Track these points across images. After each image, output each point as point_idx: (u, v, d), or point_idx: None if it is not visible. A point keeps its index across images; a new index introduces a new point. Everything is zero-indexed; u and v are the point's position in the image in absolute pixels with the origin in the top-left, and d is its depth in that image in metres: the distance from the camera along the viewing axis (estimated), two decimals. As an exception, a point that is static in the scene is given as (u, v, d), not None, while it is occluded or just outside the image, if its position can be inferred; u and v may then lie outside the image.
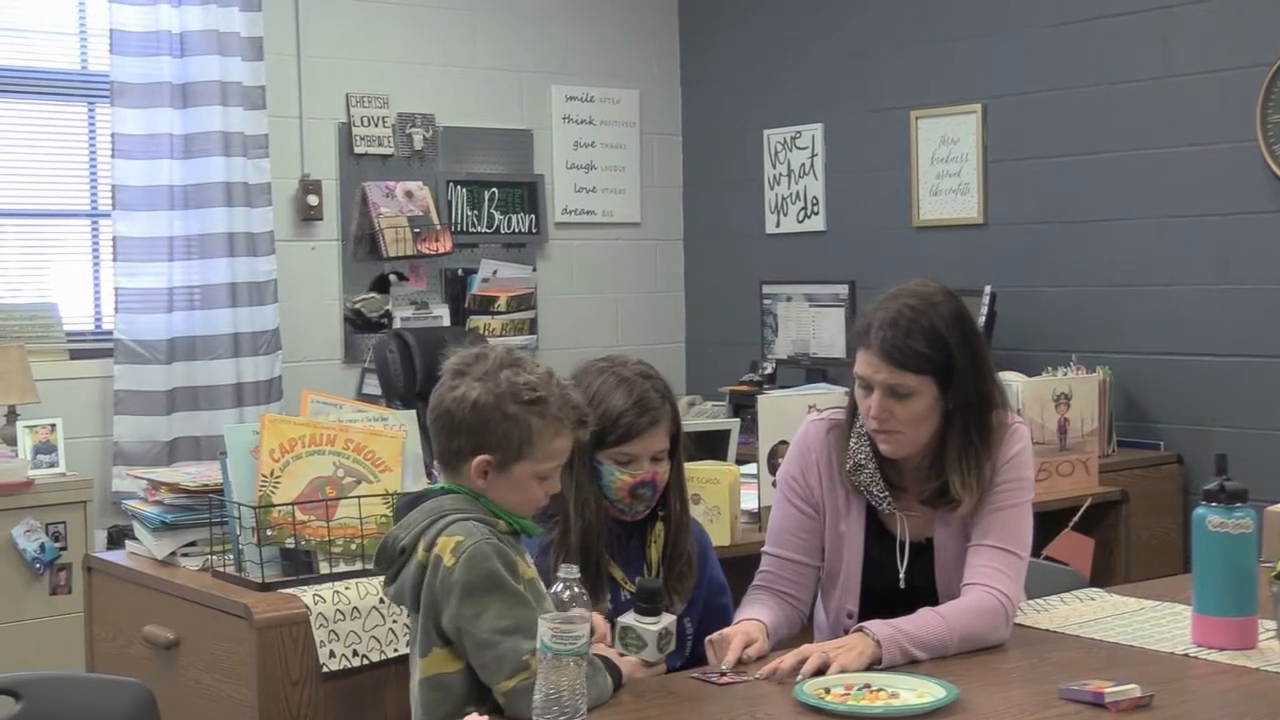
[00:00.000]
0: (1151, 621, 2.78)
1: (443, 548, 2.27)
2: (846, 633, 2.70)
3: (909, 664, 2.49)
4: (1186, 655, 2.54)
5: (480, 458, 2.34)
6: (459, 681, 2.29)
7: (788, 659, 2.45)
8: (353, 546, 2.95)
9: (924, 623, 2.55)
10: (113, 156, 5.37)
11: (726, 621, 2.73)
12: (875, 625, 2.51)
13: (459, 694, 2.29)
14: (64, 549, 4.87)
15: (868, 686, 2.32)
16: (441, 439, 2.38)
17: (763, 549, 2.89)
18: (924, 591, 2.75)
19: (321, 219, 5.88)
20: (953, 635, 2.56)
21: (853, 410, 2.79)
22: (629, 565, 2.72)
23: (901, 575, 2.77)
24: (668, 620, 2.56)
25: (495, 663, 2.22)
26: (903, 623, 2.54)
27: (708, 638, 2.60)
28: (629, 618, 2.55)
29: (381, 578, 2.43)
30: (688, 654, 2.74)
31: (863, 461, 2.76)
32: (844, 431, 2.80)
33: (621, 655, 2.49)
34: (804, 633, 2.87)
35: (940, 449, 2.72)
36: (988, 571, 2.66)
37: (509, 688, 2.21)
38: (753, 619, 2.69)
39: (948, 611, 2.60)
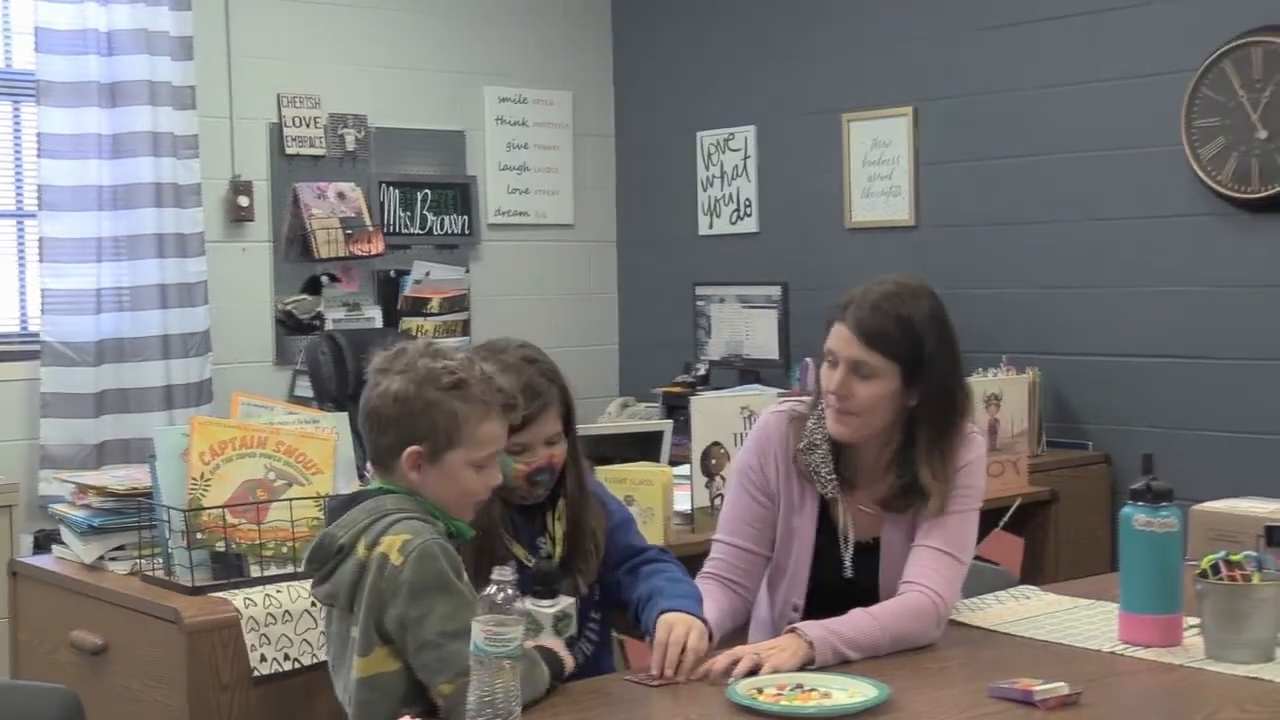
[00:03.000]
0: (1080, 620, 2.81)
1: (389, 546, 2.25)
2: (790, 624, 2.72)
3: (841, 664, 2.50)
4: (1114, 653, 2.57)
5: (410, 449, 2.32)
6: (396, 681, 2.28)
7: (720, 660, 2.45)
8: (284, 549, 2.94)
9: (856, 623, 2.57)
10: (39, 156, 5.30)
11: (626, 531, 2.76)
12: (807, 626, 2.52)
13: (395, 694, 2.27)
14: (-11, 554, 4.81)
15: (800, 686, 2.34)
16: (372, 438, 2.37)
17: (714, 537, 2.89)
18: (869, 589, 2.77)
19: (252, 220, 5.84)
20: (885, 635, 2.57)
21: (817, 398, 2.80)
22: (533, 545, 2.68)
23: (848, 566, 2.79)
24: (565, 603, 2.54)
25: (438, 664, 2.21)
26: (835, 623, 2.55)
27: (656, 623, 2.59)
28: (525, 602, 2.54)
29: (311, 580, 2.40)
30: (598, 624, 2.74)
31: (817, 442, 2.77)
32: (802, 421, 2.82)
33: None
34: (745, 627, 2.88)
35: (902, 448, 2.74)
36: (926, 573, 2.68)
37: (449, 691, 2.20)
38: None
39: (880, 612, 2.61)
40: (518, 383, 2.59)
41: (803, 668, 2.45)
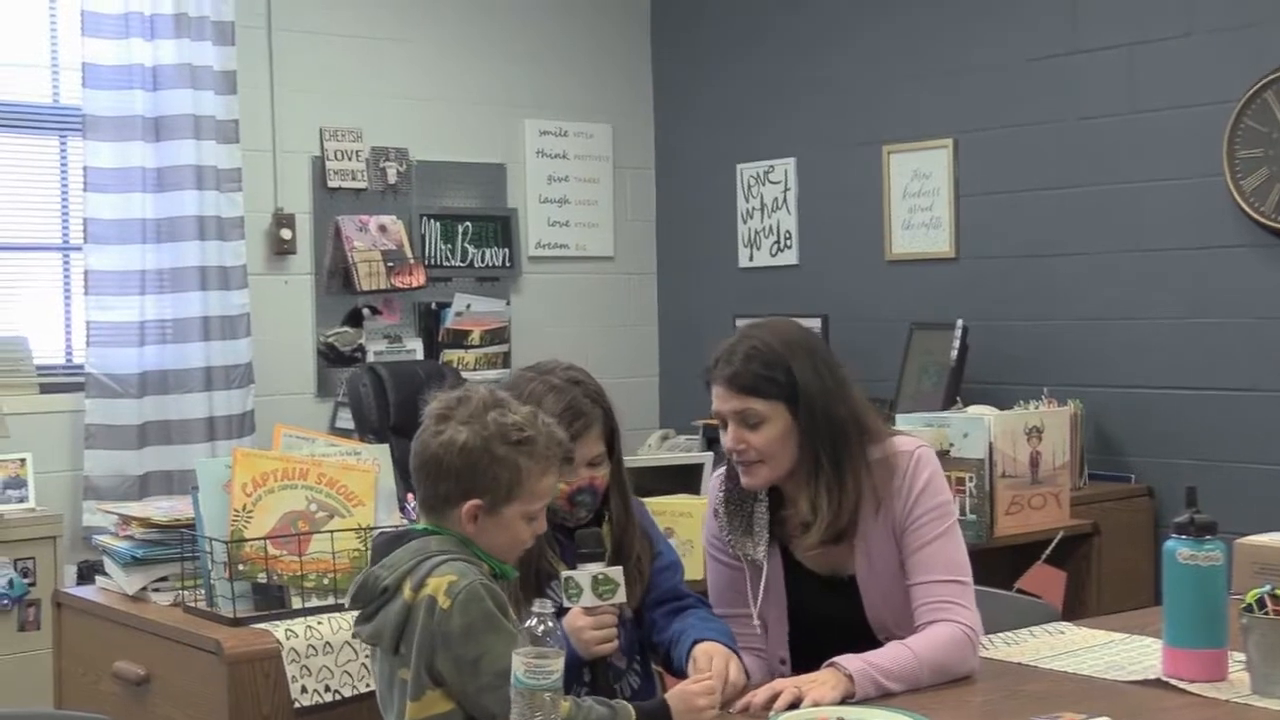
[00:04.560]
0: (1122, 653, 2.78)
1: (435, 588, 2.24)
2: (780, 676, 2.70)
3: (882, 697, 2.49)
4: (1158, 687, 2.54)
5: (470, 503, 2.31)
6: None
7: (760, 693, 2.44)
8: (325, 581, 2.94)
9: (894, 655, 2.55)
10: (85, 190, 5.36)
11: (672, 573, 2.76)
12: (847, 659, 2.51)
13: None
14: (33, 584, 4.84)
15: (841, 719, 2.32)
16: (427, 485, 2.35)
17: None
18: (857, 627, 2.73)
19: (295, 253, 5.88)
20: (924, 668, 2.56)
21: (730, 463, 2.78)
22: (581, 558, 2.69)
23: (825, 603, 2.74)
24: (612, 570, 2.54)
25: (499, 705, 2.18)
26: (873, 656, 2.54)
27: (692, 653, 2.58)
28: (569, 572, 2.56)
29: (354, 613, 2.40)
30: (641, 638, 2.73)
31: (718, 510, 2.78)
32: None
33: (564, 609, 2.49)
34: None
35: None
36: (942, 606, 2.65)
37: None
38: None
39: (915, 643, 2.59)
40: (561, 402, 2.62)
41: (843, 701, 2.44)
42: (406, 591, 2.27)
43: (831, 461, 2.67)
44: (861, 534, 2.71)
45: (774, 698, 2.42)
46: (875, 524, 2.71)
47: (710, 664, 2.50)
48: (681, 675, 2.58)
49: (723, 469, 2.84)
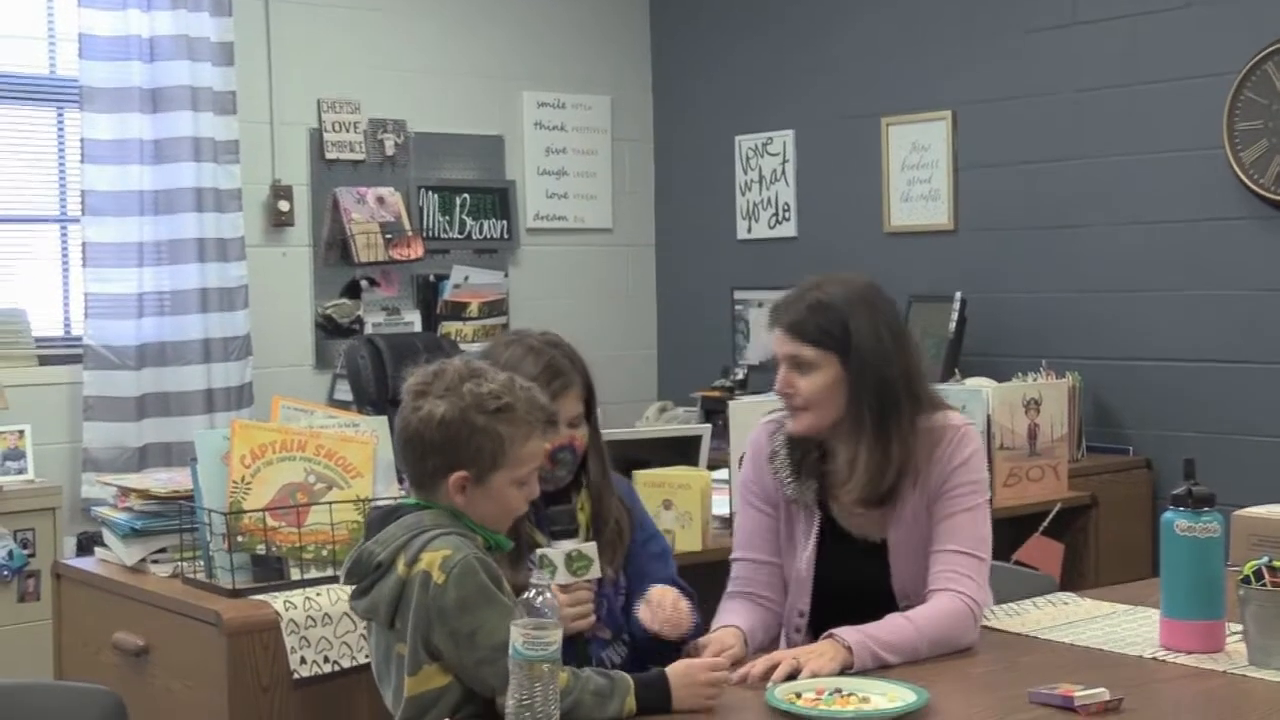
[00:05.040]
0: (1121, 625, 2.79)
1: (429, 563, 2.24)
2: (798, 631, 2.72)
3: (880, 669, 2.49)
4: (1155, 659, 2.55)
5: (456, 475, 2.31)
6: (447, 693, 2.27)
7: (758, 664, 2.45)
8: (324, 552, 2.95)
9: (893, 628, 2.57)
10: (82, 162, 5.34)
11: (664, 564, 2.78)
12: (845, 631, 2.52)
13: (447, 705, 2.27)
14: (32, 556, 4.85)
15: (839, 691, 2.33)
16: (412, 461, 2.36)
17: (732, 557, 2.89)
18: (880, 591, 2.75)
19: (293, 225, 5.87)
20: (922, 640, 2.57)
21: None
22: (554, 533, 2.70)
23: (856, 568, 2.76)
24: (586, 546, 2.56)
25: (496, 677, 2.18)
26: (872, 628, 2.55)
27: (688, 646, 2.59)
28: (545, 550, 2.57)
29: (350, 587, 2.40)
30: (622, 607, 2.73)
31: (777, 448, 2.81)
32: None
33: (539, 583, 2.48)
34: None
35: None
36: (952, 576, 2.67)
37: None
38: (730, 625, 2.69)
39: (916, 616, 2.61)
40: (540, 363, 2.65)
41: (841, 672, 2.45)
42: (400, 567, 2.27)
43: (875, 421, 2.69)
44: (901, 499, 2.73)
45: (772, 669, 2.43)
46: (913, 492, 2.74)
47: (659, 597, 2.57)
48: (640, 632, 2.62)
49: (771, 417, 2.88)
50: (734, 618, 2.73)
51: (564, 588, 2.52)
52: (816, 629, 2.69)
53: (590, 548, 2.57)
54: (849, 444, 2.73)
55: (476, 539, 2.32)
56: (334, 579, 2.91)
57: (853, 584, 2.77)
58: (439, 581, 2.23)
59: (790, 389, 2.73)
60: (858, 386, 2.69)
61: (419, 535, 2.29)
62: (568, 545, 2.56)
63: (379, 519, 2.38)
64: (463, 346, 5.95)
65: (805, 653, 2.48)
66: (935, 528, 2.72)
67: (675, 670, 2.34)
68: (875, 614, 2.62)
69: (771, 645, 2.79)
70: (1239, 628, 2.55)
